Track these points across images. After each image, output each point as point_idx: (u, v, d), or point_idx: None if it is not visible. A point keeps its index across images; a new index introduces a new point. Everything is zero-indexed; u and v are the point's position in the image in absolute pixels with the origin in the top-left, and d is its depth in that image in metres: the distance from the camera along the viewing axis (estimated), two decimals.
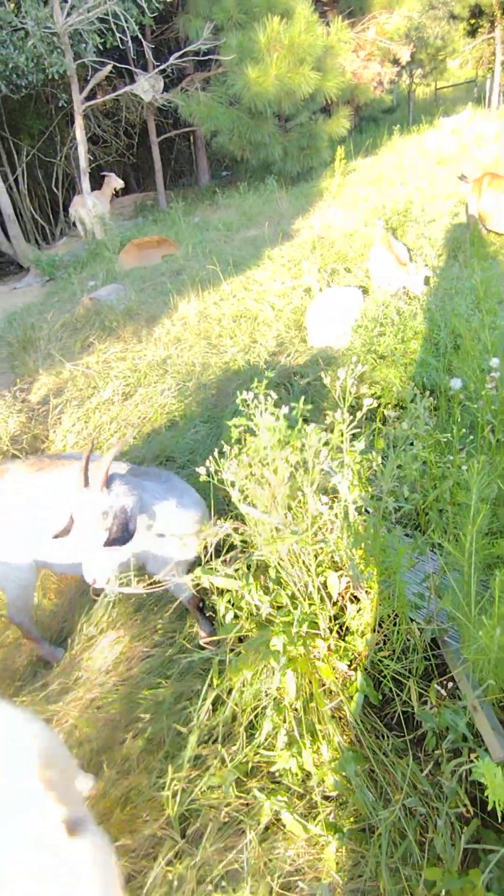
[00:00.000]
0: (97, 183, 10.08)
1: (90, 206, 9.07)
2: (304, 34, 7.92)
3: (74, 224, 11.17)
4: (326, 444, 1.59)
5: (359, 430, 1.74)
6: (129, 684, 2.15)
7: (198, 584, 2.09)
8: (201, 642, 2.25)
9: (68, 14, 6.64)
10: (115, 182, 10.04)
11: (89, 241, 9.17)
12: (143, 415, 3.87)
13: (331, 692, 1.76)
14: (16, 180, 11.42)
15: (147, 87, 9.36)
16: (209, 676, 2.01)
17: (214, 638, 2.17)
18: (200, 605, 2.27)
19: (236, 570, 2.14)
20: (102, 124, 11.41)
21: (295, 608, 1.82)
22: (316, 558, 1.73)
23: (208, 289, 6.30)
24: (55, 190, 12.36)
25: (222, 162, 15.25)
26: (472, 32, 17.67)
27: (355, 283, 5.55)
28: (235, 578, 1.86)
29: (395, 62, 10.98)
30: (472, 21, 17.25)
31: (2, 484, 1.98)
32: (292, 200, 9.42)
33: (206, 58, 8.82)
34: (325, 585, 1.80)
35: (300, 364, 4.26)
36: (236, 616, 2.12)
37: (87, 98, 8.69)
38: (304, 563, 1.75)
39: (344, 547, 1.63)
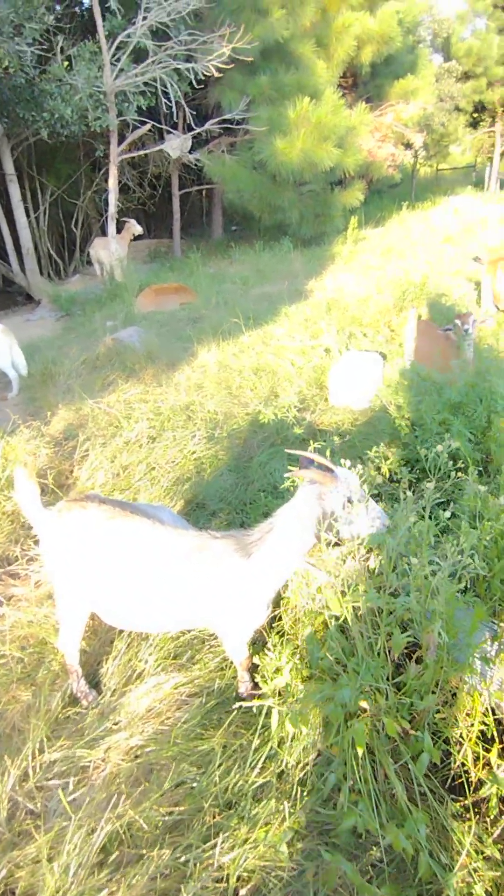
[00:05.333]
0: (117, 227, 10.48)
1: (113, 250, 9.39)
2: (330, 115, 8.54)
3: (89, 263, 11.52)
4: (422, 517, 1.69)
5: (438, 497, 1.85)
6: (171, 734, 2.14)
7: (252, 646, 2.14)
8: (243, 695, 2.26)
9: (116, 77, 7.10)
10: (135, 228, 10.45)
11: (106, 282, 9.44)
12: (171, 459, 3.94)
13: (394, 751, 1.80)
14: (37, 218, 11.79)
15: (176, 145, 9.90)
16: (256, 728, 2.03)
17: (257, 693, 2.19)
18: (250, 666, 2.29)
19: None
20: (128, 174, 11.94)
21: (355, 664, 1.88)
22: (385, 615, 1.80)
23: (227, 339, 6.52)
24: (73, 229, 12.76)
25: (233, 219, 15.95)
26: (474, 124, 19.27)
27: (373, 348, 5.81)
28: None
29: (408, 145, 11.81)
30: (475, 115, 18.87)
31: (78, 521, 2.04)
32: (305, 262, 9.87)
33: (236, 126, 9.40)
34: (386, 642, 1.87)
35: (325, 422, 4.42)
36: (277, 670, 2.16)
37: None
38: (370, 619, 1.82)
39: (416, 606, 1.71)
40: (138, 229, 10.49)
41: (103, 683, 2.45)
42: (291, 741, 1.97)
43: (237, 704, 2.05)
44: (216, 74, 6.71)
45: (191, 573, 2.00)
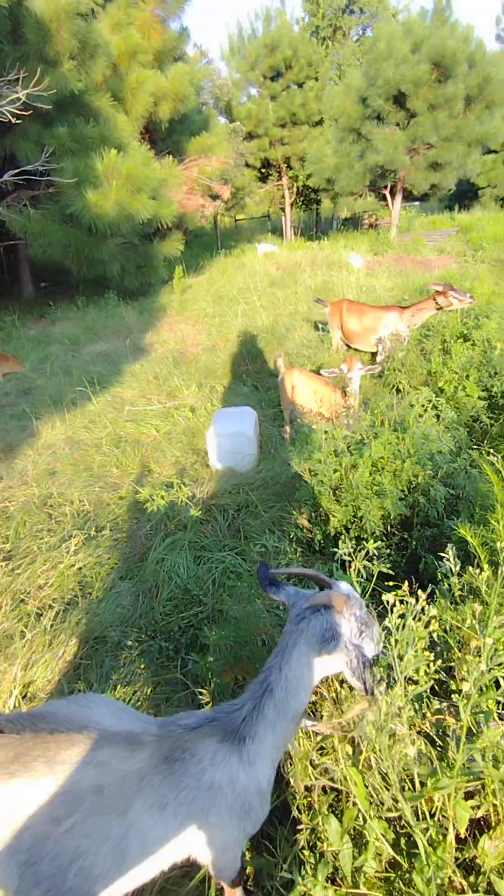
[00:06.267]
0: None
1: None
2: (141, 166, 8.28)
3: None
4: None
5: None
6: None
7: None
8: None
9: None
10: None
11: None
12: (43, 581, 3.07)
13: None
14: None
15: None
16: None
17: None
18: (244, 878, 1.62)
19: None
20: None
21: (419, 869, 1.35)
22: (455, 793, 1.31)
23: (72, 410, 5.69)
24: None
25: (41, 275, 14.87)
26: (264, 178, 20.91)
27: (238, 401, 5.46)
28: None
29: (214, 197, 12.15)
30: (263, 170, 20.51)
31: None
32: (137, 315, 9.36)
33: (37, 178, 8.66)
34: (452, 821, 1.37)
35: (218, 494, 3.88)
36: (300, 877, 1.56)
37: None
38: (431, 805, 1.31)
39: (497, 774, 1.25)
40: None
41: None
42: None
43: None
44: (13, 121, 6.02)
45: (163, 797, 1.30)
